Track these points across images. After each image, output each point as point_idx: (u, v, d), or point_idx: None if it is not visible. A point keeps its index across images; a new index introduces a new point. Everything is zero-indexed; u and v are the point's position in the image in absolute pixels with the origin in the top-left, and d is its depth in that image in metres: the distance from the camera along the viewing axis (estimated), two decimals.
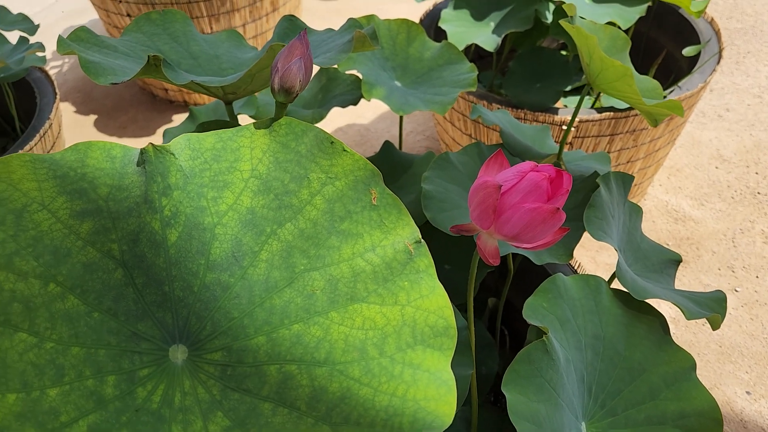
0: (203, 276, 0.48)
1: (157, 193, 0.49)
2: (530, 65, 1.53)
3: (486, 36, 1.46)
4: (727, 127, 1.96)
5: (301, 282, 0.48)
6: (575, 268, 0.97)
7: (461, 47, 1.40)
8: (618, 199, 0.84)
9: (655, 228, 1.66)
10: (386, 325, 0.47)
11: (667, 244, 1.61)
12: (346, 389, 0.45)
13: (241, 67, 0.87)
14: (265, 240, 0.49)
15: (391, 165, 1.09)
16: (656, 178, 1.80)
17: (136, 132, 2.11)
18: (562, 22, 0.87)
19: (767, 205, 1.70)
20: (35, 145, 1.39)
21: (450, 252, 0.97)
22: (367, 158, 0.58)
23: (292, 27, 0.87)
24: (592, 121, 1.34)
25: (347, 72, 1.17)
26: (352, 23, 0.79)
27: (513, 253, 0.99)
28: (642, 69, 1.77)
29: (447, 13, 1.52)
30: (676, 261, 0.87)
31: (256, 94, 1.19)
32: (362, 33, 0.68)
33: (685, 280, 1.53)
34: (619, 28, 1.39)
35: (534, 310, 0.66)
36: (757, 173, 1.80)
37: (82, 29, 0.74)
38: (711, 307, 0.73)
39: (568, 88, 1.57)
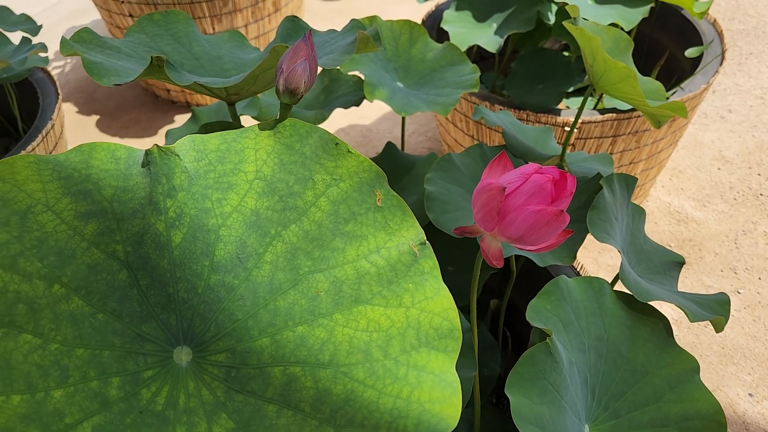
0: (207, 277, 0.48)
1: (162, 194, 0.49)
2: (532, 66, 1.53)
3: (488, 37, 1.46)
4: (729, 129, 1.96)
5: (306, 284, 0.48)
6: (578, 269, 0.97)
7: (463, 48, 1.40)
8: (621, 201, 0.84)
9: (657, 229, 1.66)
10: (391, 327, 0.47)
11: (670, 246, 1.61)
12: (350, 391, 0.45)
13: (243, 68, 0.87)
14: (269, 242, 0.49)
15: (394, 166, 1.09)
16: (658, 180, 1.80)
17: (139, 133, 2.11)
18: (565, 23, 0.87)
19: None
20: (38, 145, 1.39)
21: (453, 254, 0.97)
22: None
23: (294, 28, 0.87)
24: (595, 122, 1.34)
25: (350, 73, 1.17)
26: (354, 24, 0.79)
27: (516, 255, 0.99)
28: (645, 70, 1.77)
29: (449, 14, 1.52)
30: (679, 263, 0.87)
31: (258, 95, 1.19)
32: (365, 34, 0.68)
33: (687, 281, 1.52)
34: (622, 29, 1.39)
35: (537, 312, 0.66)
36: (759, 174, 1.80)
37: (85, 30, 0.74)
38: (714, 309, 0.73)
39: (571, 90, 1.57)
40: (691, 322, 0.69)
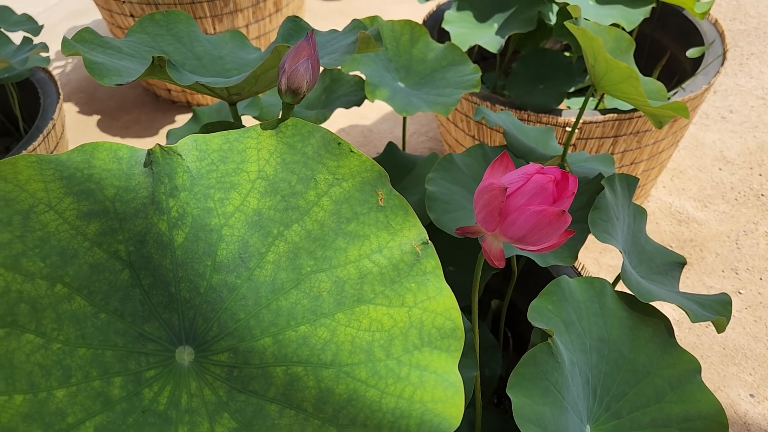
0: (210, 277, 0.48)
1: (165, 194, 0.49)
2: (533, 67, 1.53)
3: (489, 37, 1.46)
4: (730, 129, 1.96)
5: (308, 283, 0.48)
6: (579, 270, 0.97)
7: (464, 49, 1.40)
8: (622, 201, 0.84)
9: (658, 230, 1.66)
10: (393, 327, 0.47)
11: (671, 246, 1.61)
12: (352, 391, 0.45)
13: (245, 68, 0.87)
14: (271, 241, 0.49)
15: (395, 166, 1.09)
16: (660, 180, 1.80)
17: (139, 132, 2.11)
18: (567, 23, 0.87)
19: None
20: (39, 145, 1.39)
21: (454, 254, 0.97)
22: None
23: (296, 28, 0.87)
24: (596, 122, 1.34)
25: (351, 73, 1.17)
26: (356, 24, 0.80)
27: (517, 255, 0.99)
28: (646, 70, 1.77)
29: (450, 15, 1.52)
30: (680, 263, 0.87)
31: (260, 95, 1.19)
32: (366, 34, 0.68)
33: (688, 282, 1.52)
34: (623, 29, 1.39)
35: (539, 313, 0.66)
36: (760, 175, 1.80)
37: (87, 30, 0.74)
38: (716, 309, 0.73)
39: (572, 90, 1.57)
40: (693, 322, 0.69)
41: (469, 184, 0.90)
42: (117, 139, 2.08)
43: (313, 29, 0.59)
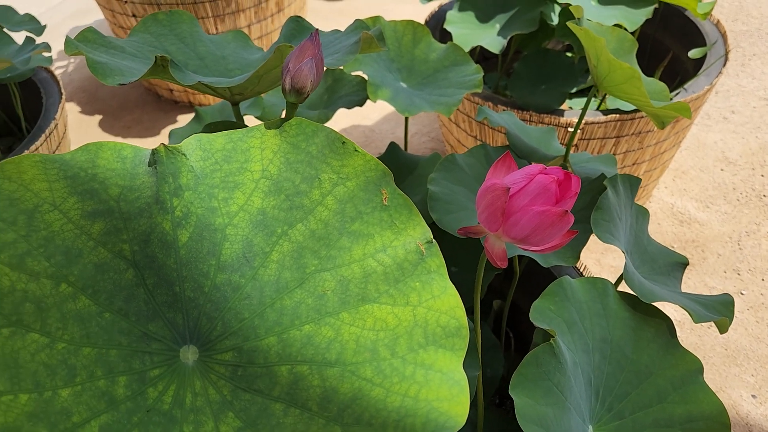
0: (214, 277, 0.48)
1: (169, 193, 0.49)
2: (535, 67, 1.53)
3: (491, 38, 1.46)
4: (732, 130, 1.96)
5: (312, 283, 0.48)
6: (581, 270, 0.97)
7: (466, 49, 1.40)
8: (625, 202, 0.84)
9: (660, 230, 1.66)
10: (398, 326, 0.47)
11: (673, 247, 1.61)
12: (357, 390, 0.45)
13: (247, 68, 0.87)
14: (276, 241, 0.49)
15: (397, 166, 1.09)
16: (661, 181, 1.80)
17: (141, 132, 2.11)
18: (569, 23, 0.87)
19: None
20: (41, 145, 1.39)
21: (457, 254, 0.97)
22: None
23: (298, 28, 0.87)
24: (598, 123, 1.34)
25: (353, 73, 1.17)
26: (358, 24, 0.80)
27: (518, 255, 0.99)
28: (648, 71, 1.77)
29: (452, 15, 1.52)
30: (682, 264, 0.87)
31: (262, 95, 1.19)
32: (369, 34, 0.68)
33: (690, 282, 1.52)
34: (626, 30, 1.39)
35: (541, 313, 0.66)
36: (762, 176, 1.80)
37: (90, 30, 0.74)
38: (718, 310, 0.73)
39: (574, 90, 1.57)
40: (695, 323, 0.69)
41: (471, 184, 0.90)
42: (119, 139, 2.09)
43: (317, 29, 0.59)
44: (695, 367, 0.69)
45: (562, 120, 1.35)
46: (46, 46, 1.45)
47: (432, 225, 0.92)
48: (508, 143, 1.10)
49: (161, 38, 0.84)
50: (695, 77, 1.43)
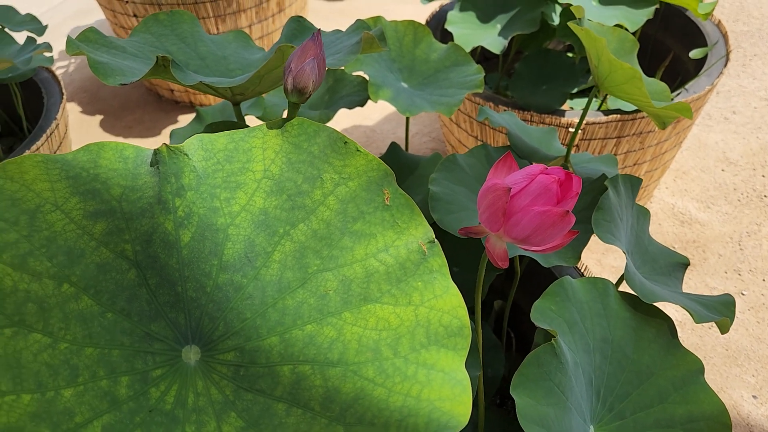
0: (216, 276, 0.48)
1: (171, 193, 0.49)
2: (536, 67, 1.53)
3: (492, 38, 1.46)
4: (733, 130, 1.96)
5: (314, 282, 0.48)
6: (582, 270, 0.97)
7: (467, 49, 1.40)
8: (626, 202, 0.84)
9: (661, 231, 1.66)
10: (400, 326, 0.47)
11: (674, 247, 1.61)
12: (360, 390, 0.45)
13: (248, 68, 0.87)
14: (278, 241, 0.49)
15: (398, 166, 1.09)
16: (662, 181, 1.80)
17: (142, 132, 2.11)
18: (570, 23, 0.87)
19: None
20: (42, 145, 1.39)
21: (458, 254, 0.97)
22: None
23: (300, 28, 0.87)
24: (599, 123, 1.34)
25: (354, 73, 1.17)
26: (360, 25, 0.80)
27: (520, 255, 0.99)
28: (649, 71, 1.77)
29: (453, 15, 1.52)
30: (683, 264, 0.87)
31: (263, 95, 1.19)
32: (370, 34, 0.69)
33: (690, 283, 1.52)
34: (627, 30, 1.39)
35: (542, 313, 0.66)
36: (763, 176, 1.80)
37: (91, 30, 0.74)
38: (720, 310, 0.73)
39: (575, 91, 1.57)
40: (697, 323, 0.69)
41: (472, 184, 0.90)
42: (120, 139, 2.09)
43: (319, 29, 0.59)
44: (696, 368, 0.69)
45: (563, 120, 1.35)
46: (48, 46, 1.45)
47: (433, 225, 0.92)
48: (509, 143, 1.10)
49: (162, 38, 0.84)
50: (696, 77, 1.43)
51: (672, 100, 1.11)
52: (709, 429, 0.65)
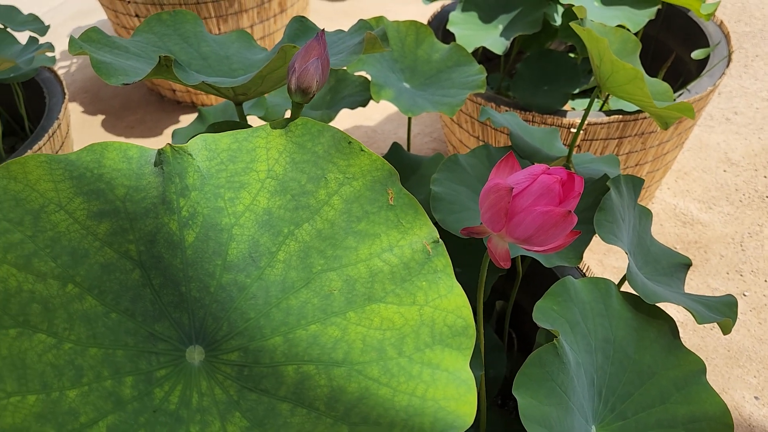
0: (220, 276, 0.48)
1: (175, 193, 0.49)
2: (538, 68, 1.53)
3: (494, 39, 1.46)
4: (735, 131, 1.96)
5: (318, 282, 0.48)
6: (584, 271, 0.97)
7: (469, 50, 1.40)
8: (628, 203, 0.84)
9: (662, 231, 1.66)
10: (404, 325, 0.47)
11: (675, 248, 1.61)
12: (364, 389, 0.45)
13: (251, 68, 0.87)
14: (282, 240, 0.49)
15: (400, 166, 1.09)
16: (664, 182, 1.80)
17: (144, 132, 2.11)
18: (572, 24, 0.87)
19: None
20: (44, 145, 1.39)
21: (460, 255, 0.97)
22: None
23: (302, 28, 0.87)
24: (601, 123, 1.34)
25: (356, 73, 1.18)
26: (362, 25, 0.80)
27: (522, 256, 0.99)
28: (651, 72, 1.77)
29: (455, 16, 1.52)
30: (685, 265, 0.87)
31: (265, 95, 1.19)
32: (373, 35, 0.69)
33: (692, 283, 1.52)
34: (629, 30, 1.39)
35: (544, 313, 0.66)
36: (765, 177, 1.80)
37: (94, 30, 0.75)
38: (722, 311, 0.73)
39: (576, 91, 1.57)
40: (699, 324, 0.69)
41: (473, 184, 0.90)
42: (122, 139, 2.09)
43: (323, 29, 0.59)
44: (698, 368, 0.69)
45: (565, 121, 1.35)
46: (50, 46, 1.45)
47: (435, 225, 0.92)
48: (510, 144, 1.10)
49: (165, 38, 0.84)
50: (698, 78, 1.43)
51: (674, 100, 1.11)
52: (711, 429, 0.65)
